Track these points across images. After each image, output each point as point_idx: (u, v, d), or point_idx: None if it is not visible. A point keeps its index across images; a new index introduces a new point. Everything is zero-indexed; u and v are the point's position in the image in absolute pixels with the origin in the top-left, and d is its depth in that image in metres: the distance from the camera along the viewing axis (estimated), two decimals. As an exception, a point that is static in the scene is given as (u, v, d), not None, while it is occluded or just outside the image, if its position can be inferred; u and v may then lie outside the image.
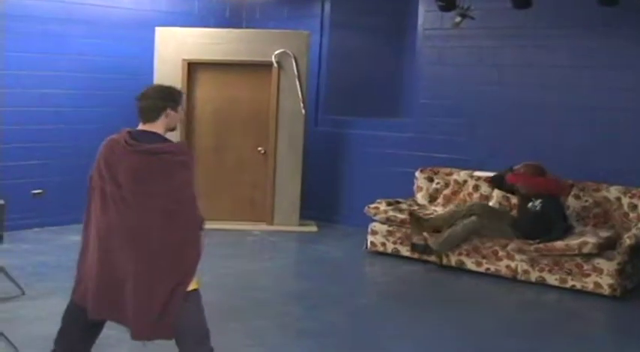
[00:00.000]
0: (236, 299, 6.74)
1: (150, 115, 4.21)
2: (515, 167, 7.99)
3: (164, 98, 4.26)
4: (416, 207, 8.59)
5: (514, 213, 8.20)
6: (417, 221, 8.10)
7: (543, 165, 7.93)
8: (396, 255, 8.39)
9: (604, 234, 7.44)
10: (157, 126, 4.22)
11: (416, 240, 8.08)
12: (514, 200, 8.29)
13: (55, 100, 9.16)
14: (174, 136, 8.03)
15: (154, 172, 4.07)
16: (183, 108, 4.38)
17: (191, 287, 4.17)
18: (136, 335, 4.25)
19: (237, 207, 9.86)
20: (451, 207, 8.32)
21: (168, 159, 4.10)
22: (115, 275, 4.14)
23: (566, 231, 7.64)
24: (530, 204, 7.81)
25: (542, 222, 7.69)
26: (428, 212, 8.55)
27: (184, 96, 4.34)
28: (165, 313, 4.09)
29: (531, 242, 7.59)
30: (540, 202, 7.73)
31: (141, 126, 4.25)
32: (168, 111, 4.23)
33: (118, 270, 4.13)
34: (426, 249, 8.01)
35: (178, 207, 4.08)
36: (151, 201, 4.05)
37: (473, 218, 7.87)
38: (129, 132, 4.19)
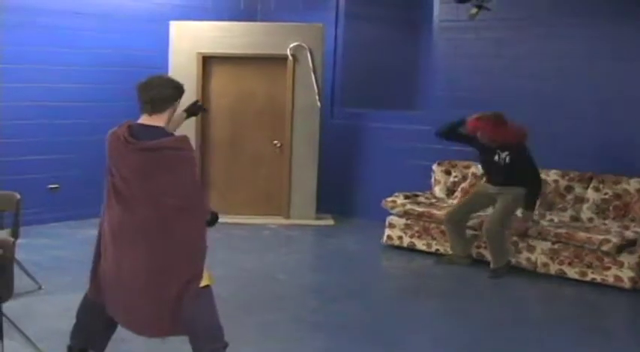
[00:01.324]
0: (251, 292, 6.74)
1: (160, 106, 4.13)
2: (470, 117, 7.73)
3: (175, 88, 4.20)
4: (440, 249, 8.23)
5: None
6: (451, 259, 7.97)
7: (503, 113, 7.66)
8: (412, 249, 8.38)
9: (629, 234, 7.34)
10: (162, 118, 4.16)
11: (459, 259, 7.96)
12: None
13: (70, 95, 9.18)
14: (190, 130, 7.97)
15: (157, 169, 4.03)
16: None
17: (203, 283, 4.15)
18: (150, 333, 4.25)
19: (253, 200, 9.85)
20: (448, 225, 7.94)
21: (170, 155, 4.04)
22: (127, 272, 4.13)
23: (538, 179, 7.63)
24: (496, 157, 7.67)
25: (513, 173, 7.62)
26: (445, 206, 8.53)
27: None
28: (179, 309, 4.08)
29: (525, 213, 7.66)
30: (508, 154, 7.62)
31: (144, 119, 4.17)
32: (176, 103, 4.22)
33: (130, 267, 4.11)
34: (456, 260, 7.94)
35: (187, 203, 4.05)
36: (159, 198, 4.03)
37: (487, 226, 7.60)
38: (129, 127, 4.11)
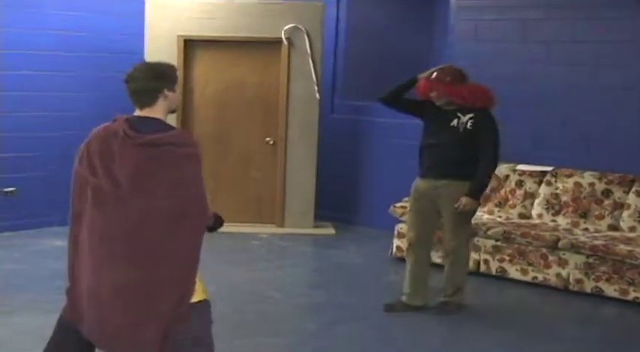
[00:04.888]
0: (242, 313, 6.69)
1: (145, 100, 4.14)
2: (422, 75, 6.88)
3: (158, 78, 4.18)
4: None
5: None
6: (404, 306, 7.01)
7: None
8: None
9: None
10: (156, 111, 4.16)
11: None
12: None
13: (32, 83, 9.08)
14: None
15: (158, 167, 4.00)
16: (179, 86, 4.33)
17: (198, 297, 4.13)
18: None
19: (242, 206, 9.79)
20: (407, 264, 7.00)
21: (172, 151, 4.02)
22: (107, 287, 4.06)
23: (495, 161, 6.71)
24: (454, 122, 6.66)
25: (471, 146, 6.61)
26: None
27: (179, 73, 4.25)
28: (167, 330, 4.02)
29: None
30: (471, 118, 6.63)
31: (139, 113, 4.18)
32: (166, 92, 4.16)
33: (112, 281, 4.05)
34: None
35: (186, 207, 4.03)
36: (154, 202, 3.99)
37: (452, 247, 6.82)
38: (127, 121, 4.10)
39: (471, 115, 6.62)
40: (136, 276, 4.02)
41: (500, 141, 6.66)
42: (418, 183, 6.86)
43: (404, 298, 6.90)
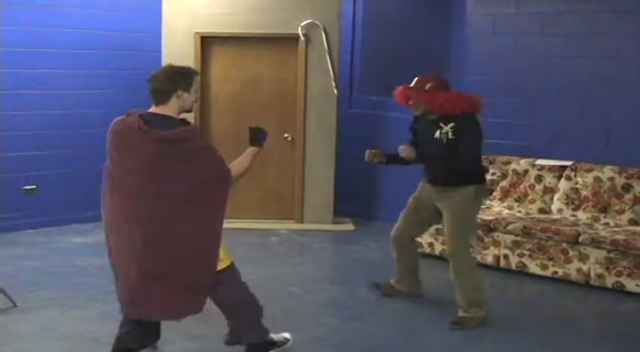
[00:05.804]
0: (262, 308, 6.64)
1: (160, 98, 4.59)
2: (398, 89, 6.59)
3: (174, 79, 4.61)
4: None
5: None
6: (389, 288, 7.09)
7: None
8: (445, 258, 8.24)
9: None
10: (169, 109, 4.59)
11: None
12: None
13: (50, 82, 9.11)
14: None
15: (172, 160, 4.48)
16: (198, 89, 4.74)
17: (223, 264, 4.74)
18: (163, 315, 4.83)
19: (261, 202, 9.82)
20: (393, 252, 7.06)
21: (187, 147, 4.51)
22: (135, 269, 4.60)
23: (479, 171, 6.49)
24: (437, 133, 6.31)
25: (452, 161, 6.31)
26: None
27: (198, 77, 4.79)
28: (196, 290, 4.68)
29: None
30: (452, 127, 6.24)
31: (153, 109, 4.62)
32: (180, 92, 4.59)
33: (134, 257, 4.59)
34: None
35: (199, 194, 4.51)
36: (170, 189, 4.46)
37: (448, 253, 6.57)
38: (141, 116, 4.55)
39: (452, 124, 6.25)
40: (153, 256, 4.55)
41: (481, 145, 6.38)
42: (424, 185, 6.68)
43: (392, 281, 7.13)
